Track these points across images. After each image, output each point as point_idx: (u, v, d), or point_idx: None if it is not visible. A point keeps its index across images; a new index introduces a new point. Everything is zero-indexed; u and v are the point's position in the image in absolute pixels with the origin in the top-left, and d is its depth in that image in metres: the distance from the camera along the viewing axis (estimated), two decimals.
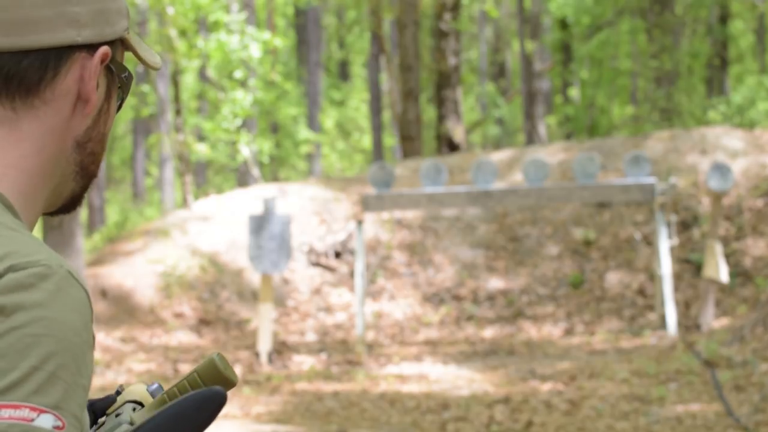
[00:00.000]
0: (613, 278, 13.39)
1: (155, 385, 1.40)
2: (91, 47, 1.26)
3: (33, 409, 1.06)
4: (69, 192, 1.30)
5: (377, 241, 14.32)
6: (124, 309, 12.38)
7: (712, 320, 11.67)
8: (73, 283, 1.13)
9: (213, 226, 14.15)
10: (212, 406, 1.23)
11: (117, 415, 1.35)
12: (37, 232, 22.08)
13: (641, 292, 13.08)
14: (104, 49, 1.26)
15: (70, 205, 1.32)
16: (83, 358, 1.12)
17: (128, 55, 1.36)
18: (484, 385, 9.81)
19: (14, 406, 1.05)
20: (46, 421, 1.06)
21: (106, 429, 1.32)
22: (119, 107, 1.34)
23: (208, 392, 1.24)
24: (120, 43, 1.31)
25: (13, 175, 1.22)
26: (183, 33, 15.57)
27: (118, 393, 1.41)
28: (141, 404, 1.36)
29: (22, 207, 1.22)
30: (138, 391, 1.38)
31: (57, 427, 1.07)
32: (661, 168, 14.31)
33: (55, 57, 1.23)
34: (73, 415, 1.09)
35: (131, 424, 1.31)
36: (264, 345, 10.88)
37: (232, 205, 14.85)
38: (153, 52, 1.38)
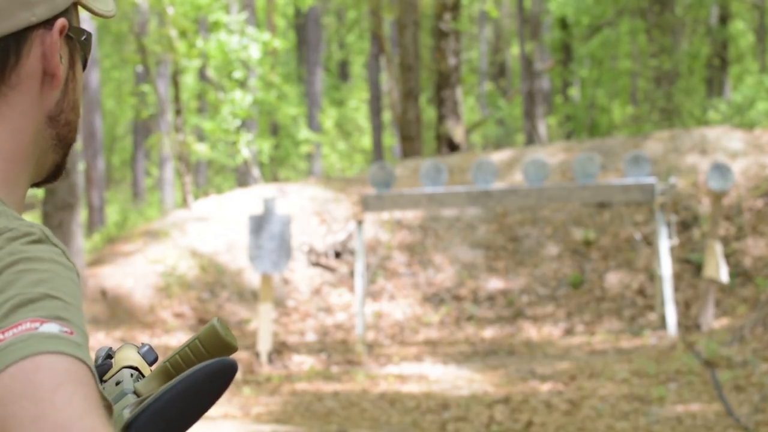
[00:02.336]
0: (613, 278, 13.38)
1: (146, 348, 1.38)
2: (48, 22, 1.25)
3: (33, 320, 1.02)
4: (51, 163, 1.30)
5: (377, 241, 14.32)
6: (124, 309, 12.38)
7: (712, 320, 11.67)
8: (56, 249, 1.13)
9: (213, 226, 14.15)
10: (225, 377, 1.22)
11: (117, 383, 1.32)
12: None
13: (641, 292, 13.08)
14: (61, 21, 1.25)
15: (54, 174, 1.32)
16: (76, 290, 1.10)
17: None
18: (484, 385, 9.80)
19: (13, 326, 1.02)
20: (51, 326, 1.02)
21: (109, 397, 1.28)
22: (84, 66, 1.33)
23: (219, 364, 1.23)
24: (73, 6, 1.30)
25: None
26: (183, 33, 15.57)
27: (109, 357, 1.39)
28: (138, 370, 1.35)
29: (4, 193, 1.22)
30: (131, 356, 1.36)
31: (65, 332, 1.02)
32: (661, 168, 14.31)
33: (14, 42, 1.22)
34: (77, 326, 1.04)
35: (136, 394, 1.30)
36: (264, 345, 10.87)
37: (231, 205, 14.85)
38: (106, 1, 1.36)
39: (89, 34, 1.31)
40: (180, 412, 1.20)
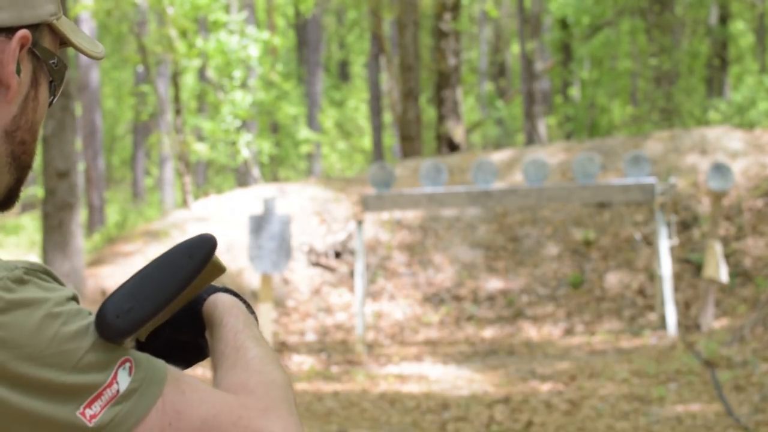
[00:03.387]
0: (613, 278, 13.38)
1: None
2: (9, 32, 1.21)
3: (109, 385, 1.10)
4: (5, 186, 1.25)
5: (377, 242, 14.32)
6: None
7: (712, 320, 11.67)
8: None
9: (213, 227, 14.15)
10: (203, 251, 1.21)
11: None
12: (37, 232, 22.14)
13: (641, 292, 13.08)
14: (22, 32, 1.21)
15: (8, 200, 1.27)
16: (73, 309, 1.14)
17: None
18: (484, 385, 9.81)
19: (91, 401, 1.09)
20: (123, 378, 1.10)
21: None
22: (55, 96, 1.30)
23: (197, 238, 1.23)
24: (48, 29, 1.26)
25: None
26: (183, 33, 15.57)
27: None
28: None
29: None
30: None
31: (130, 369, 1.12)
32: (661, 168, 14.31)
33: None
34: (114, 347, 1.12)
35: None
36: None
37: (231, 205, 14.85)
38: (94, 41, 1.34)
39: (62, 63, 1.28)
40: (157, 286, 1.19)
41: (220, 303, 1.32)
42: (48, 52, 1.26)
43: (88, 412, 1.08)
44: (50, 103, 1.30)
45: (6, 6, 1.21)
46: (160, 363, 1.16)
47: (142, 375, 1.12)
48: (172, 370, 1.16)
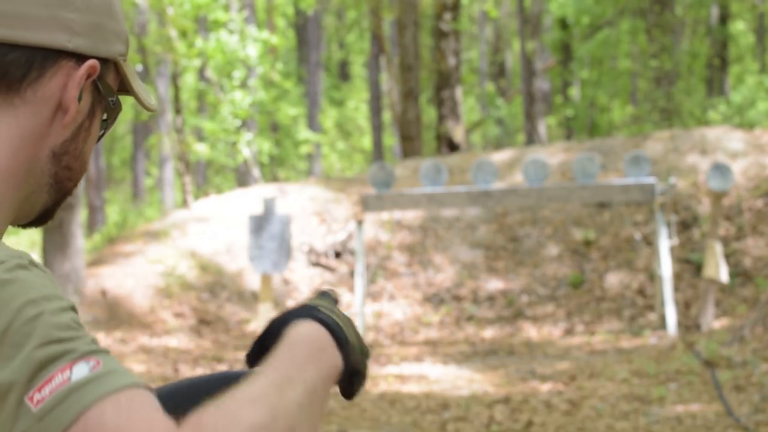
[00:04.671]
0: (613, 278, 13.38)
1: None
2: (80, 59, 1.24)
3: (61, 370, 1.03)
4: (41, 204, 1.27)
5: (377, 242, 14.32)
6: (124, 309, 12.38)
7: (712, 320, 11.67)
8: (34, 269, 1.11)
9: (213, 227, 14.15)
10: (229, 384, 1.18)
11: None
12: (37, 232, 22.12)
13: (641, 292, 13.08)
14: (92, 62, 1.24)
15: (42, 218, 1.29)
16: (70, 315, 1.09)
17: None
18: (484, 385, 9.81)
19: (44, 383, 1.02)
20: (81, 369, 1.03)
21: None
22: (102, 135, 1.32)
23: (236, 374, 1.22)
24: (113, 68, 1.29)
25: None
26: (183, 33, 15.58)
27: None
28: None
29: None
30: None
31: (94, 367, 1.04)
32: (661, 168, 14.31)
33: (41, 57, 1.21)
34: (91, 350, 1.05)
35: None
36: None
37: (231, 205, 14.85)
38: (149, 92, 1.36)
39: (119, 103, 1.30)
40: (176, 405, 1.17)
41: (290, 333, 1.19)
42: (110, 88, 1.28)
43: (36, 396, 1.03)
44: (98, 139, 1.32)
45: (83, 33, 1.23)
46: (130, 376, 1.06)
47: (102, 372, 1.04)
48: (138, 387, 1.05)
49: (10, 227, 1.26)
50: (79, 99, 1.24)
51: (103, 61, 1.27)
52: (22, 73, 1.21)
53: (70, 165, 1.27)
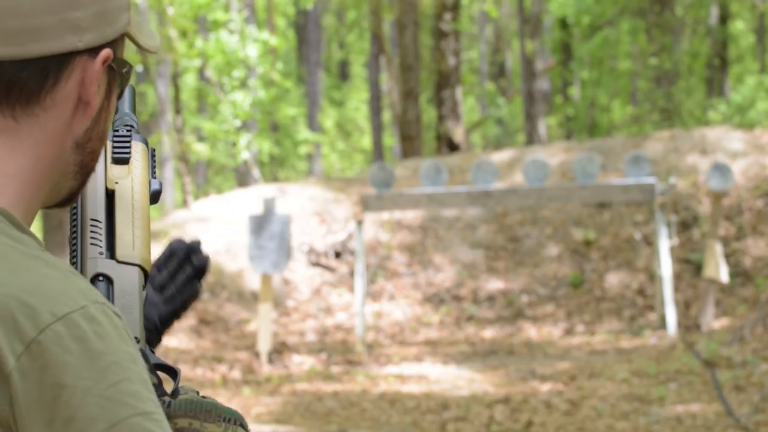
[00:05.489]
0: (613, 278, 13.38)
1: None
2: (93, 50, 1.22)
3: None
4: (67, 189, 1.27)
5: (377, 242, 14.32)
6: None
7: (712, 320, 11.67)
8: (110, 313, 1.11)
9: (213, 227, 14.15)
10: None
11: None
12: (37, 232, 22.10)
13: (641, 292, 13.08)
14: (106, 52, 1.23)
15: (68, 200, 1.29)
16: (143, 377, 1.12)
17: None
18: (484, 385, 9.81)
19: None
20: None
21: None
22: (119, 96, 1.31)
23: None
24: (121, 38, 1.28)
25: (14, 186, 1.19)
26: (183, 33, 15.58)
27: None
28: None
29: (24, 216, 1.20)
30: None
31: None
32: (661, 168, 14.30)
33: (56, 64, 1.20)
34: (147, 411, 1.08)
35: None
36: (264, 345, 10.87)
37: (231, 205, 14.85)
38: (153, 32, 1.34)
39: (131, 67, 1.29)
40: None
41: None
42: (122, 62, 1.27)
43: None
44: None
45: (91, 27, 1.21)
46: None
47: None
48: None
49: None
50: (98, 88, 1.24)
51: (113, 40, 1.25)
52: (40, 85, 1.20)
53: (95, 149, 1.27)
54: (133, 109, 1.48)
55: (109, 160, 1.41)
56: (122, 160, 1.42)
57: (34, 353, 1.06)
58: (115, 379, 1.06)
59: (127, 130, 1.44)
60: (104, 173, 1.39)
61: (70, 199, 1.29)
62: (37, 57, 1.19)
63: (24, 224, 1.20)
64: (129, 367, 1.08)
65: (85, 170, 1.27)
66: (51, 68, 1.20)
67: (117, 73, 1.27)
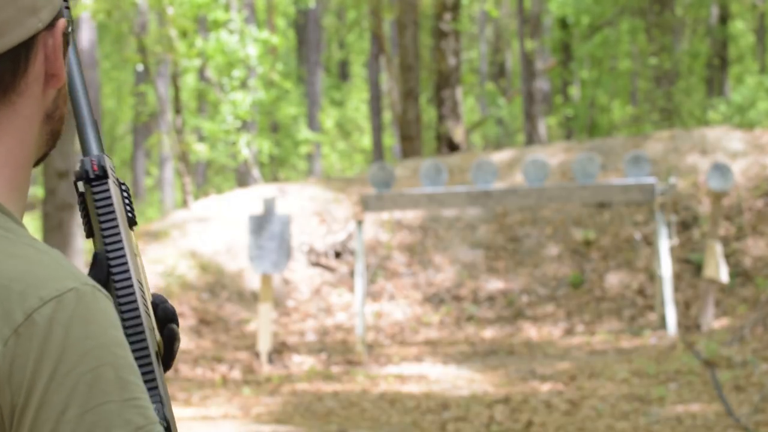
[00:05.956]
0: (613, 278, 13.39)
1: None
2: (50, 24, 1.24)
3: None
4: (41, 155, 1.29)
5: (377, 242, 14.32)
6: None
7: (712, 320, 11.67)
8: (99, 296, 1.12)
9: (213, 227, 14.15)
10: None
11: None
12: (37, 233, 22.14)
13: (641, 292, 13.08)
14: (62, 22, 1.25)
15: (39, 162, 1.30)
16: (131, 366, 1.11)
17: None
18: (484, 385, 9.81)
19: None
20: None
21: None
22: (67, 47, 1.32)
23: None
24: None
25: (5, 175, 1.21)
26: (183, 33, 15.57)
27: None
28: None
29: (14, 201, 1.21)
30: None
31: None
32: (661, 168, 14.30)
33: (24, 50, 1.21)
34: (144, 414, 1.08)
35: None
36: (264, 345, 10.87)
37: (231, 205, 14.85)
38: None
39: (71, 20, 1.30)
40: None
41: None
42: (71, 19, 1.29)
43: None
44: None
45: (45, 3, 1.23)
46: None
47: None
48: None
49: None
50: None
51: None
52: (13, 74, 1.21)
53: (62, 114, 1.28)
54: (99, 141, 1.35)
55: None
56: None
57: (22, 337, 1.06)
58: (95, 364, 1.06)
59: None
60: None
61: (42, 159, 1.30)
62: (8, 50, 1.20)
63: (18, 212, 1.21)
64: (113, 351, 1.08)
65: (56, 136, 1.29)
66: (21, 55, 1.21)
67: (68, 35, 1.29)
